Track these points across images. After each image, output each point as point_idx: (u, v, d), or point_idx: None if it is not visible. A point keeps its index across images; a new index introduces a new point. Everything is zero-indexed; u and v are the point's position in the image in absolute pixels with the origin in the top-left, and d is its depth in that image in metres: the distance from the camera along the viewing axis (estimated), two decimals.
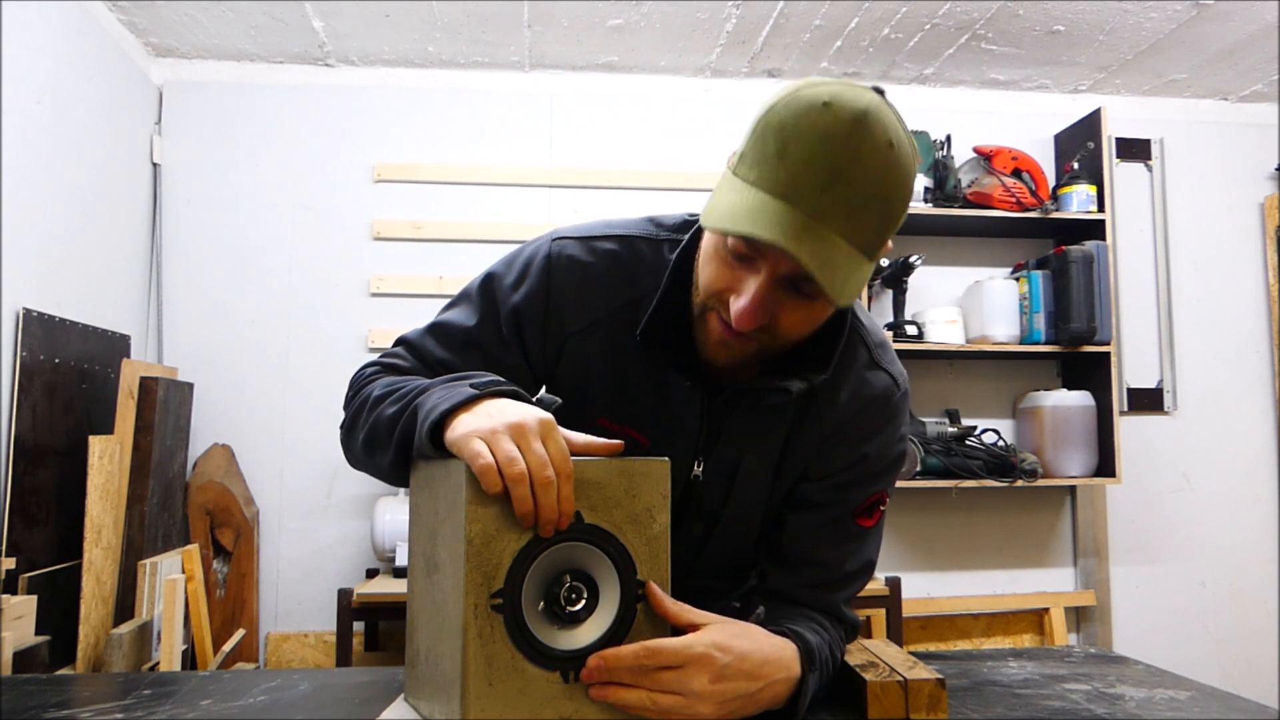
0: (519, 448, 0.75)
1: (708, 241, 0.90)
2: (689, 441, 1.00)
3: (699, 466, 1.01)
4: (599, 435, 0.98)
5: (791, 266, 0.81)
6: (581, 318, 0.99)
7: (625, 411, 1.00)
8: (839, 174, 0.77)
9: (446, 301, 1.06)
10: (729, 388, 0.96)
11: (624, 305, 0.98)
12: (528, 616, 0.78)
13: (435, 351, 1.00)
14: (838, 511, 1.02)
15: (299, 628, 2.85)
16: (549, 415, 0.79)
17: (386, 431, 0.89)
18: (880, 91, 0.82)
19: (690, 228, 1.01)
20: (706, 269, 0.89)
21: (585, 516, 0.79)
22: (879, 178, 0.79)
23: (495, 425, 0.77)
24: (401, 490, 2.78)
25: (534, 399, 0.86)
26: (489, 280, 1.02)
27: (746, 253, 0.84)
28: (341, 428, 1.01)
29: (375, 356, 1.03)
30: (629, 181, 3.07)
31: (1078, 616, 3.15)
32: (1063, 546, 3.18)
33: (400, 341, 1.04)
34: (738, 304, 0.84)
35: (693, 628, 0.83)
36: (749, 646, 0.84)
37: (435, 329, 1.02)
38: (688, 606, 0.85)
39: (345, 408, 1.01)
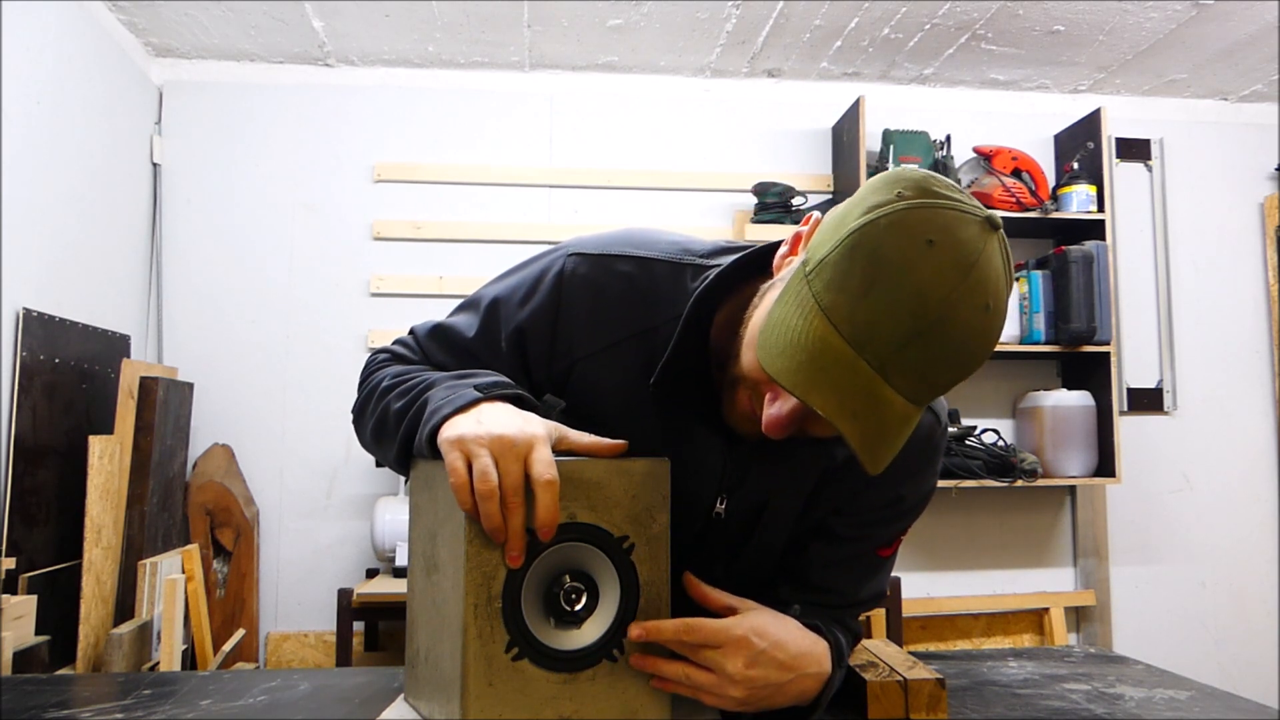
0: (498, 465, 0.74)
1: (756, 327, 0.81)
2: (711, 480, 0.93)
3: (721, 504, 0.94)
4: None
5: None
6: (591, 342, 0.92)
7: (640, 443, 0.90)
8: (922, 334, 0.69)
9: (457, 303, 1.04)
10: (756, 442, 0.88)
11: (636, 334, 0.92)
12: (528, 616, 0.78)
13: (436, 354, 0.99)
14: (862, 547, 1.00)
15: (299, 628, 2.85)
16: (541, 430, 0.78)
17: (394, 425, 0.89)
18: (996, 225, 0.72)
19: (720, 255, 0.93)
20: (751, 354, 0.80)
21: (586, 516, 0.79)
22: (963, 343, 0.70)
23: (479, 435, 0.76)
24: (401, 490, 2.78)
25: (540, 400, 0.86)
26: (496, 301, 0.97)
27: None
28: (353, 411, 1.01)
29: (388, 343, 1.03)
30: (629, 181, 3.07)
31: (1078, 616, 3.15)
32: (1063, 546, 3.18)
33: (411, 332, 1.04)
34: (771, 411, 0.78)
35: (731, 611, 0.84)
36: (785, 636, 0.84)
37: (438, 332, 1.00)
38: (725, 592, 0.86)
39: (358, 390, 1.01)
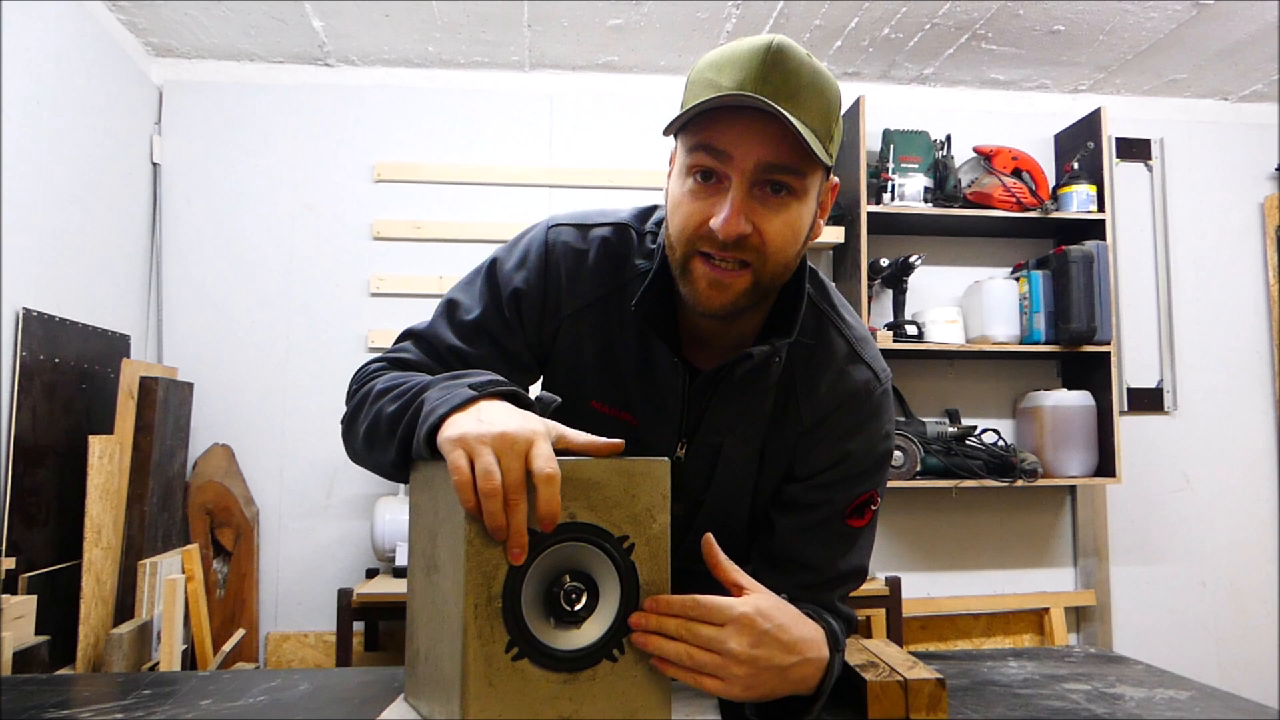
0: (500, 462, 0.75)
1: (674, 192, 0.92)
2: (673, 424, 1.02)
3: (682, 449, 1.03)
4: (592, 418, 1.02)
5: (761, 155, 0.85)
6: (575, 301, 1.03)
7: (616, 394, 1.04)
8: (773, 65, 0.85)
9: (455, 283, 1.09)
10: (708, 371, 0.99)
11: (614, 290, 1.02)
12: (528, 616, 0.77)
13: (446, 338, 1.02)
14: (826, 512, 1.02)
15: (299, 628, 2.85)
16: (540, 427, 0.78)
17: (388, 429, 0.90)
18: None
19: None
20: (677, 215, 0.91)
21: (586, 516, 0.79)
22: (807, 70, 0.86)
23: (482, 433, 0.76)
24: (401, 490, 2.78)
25: (534, 399, 0.86)
26: (493, 266, 1.06)
27: (713, 164, 0.87)
28: (343, 421, 1.02)
29: (379, 354, 1.04)
30: (629, 181, 3.07)
31: (1078, 616, 3.15)
32: (1063, 546, 3.18)
33: (408, 334, 1.05)
34: (719, 218, 0.87)
35: (738, 590, 0.85)
36: (787, 620, 0.85)
37: (445, 316, 1.04)
38: (737, 568, 0.87)
39: (347, 401, 1.01)
